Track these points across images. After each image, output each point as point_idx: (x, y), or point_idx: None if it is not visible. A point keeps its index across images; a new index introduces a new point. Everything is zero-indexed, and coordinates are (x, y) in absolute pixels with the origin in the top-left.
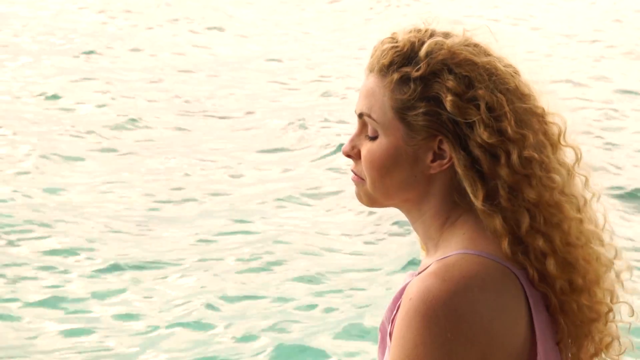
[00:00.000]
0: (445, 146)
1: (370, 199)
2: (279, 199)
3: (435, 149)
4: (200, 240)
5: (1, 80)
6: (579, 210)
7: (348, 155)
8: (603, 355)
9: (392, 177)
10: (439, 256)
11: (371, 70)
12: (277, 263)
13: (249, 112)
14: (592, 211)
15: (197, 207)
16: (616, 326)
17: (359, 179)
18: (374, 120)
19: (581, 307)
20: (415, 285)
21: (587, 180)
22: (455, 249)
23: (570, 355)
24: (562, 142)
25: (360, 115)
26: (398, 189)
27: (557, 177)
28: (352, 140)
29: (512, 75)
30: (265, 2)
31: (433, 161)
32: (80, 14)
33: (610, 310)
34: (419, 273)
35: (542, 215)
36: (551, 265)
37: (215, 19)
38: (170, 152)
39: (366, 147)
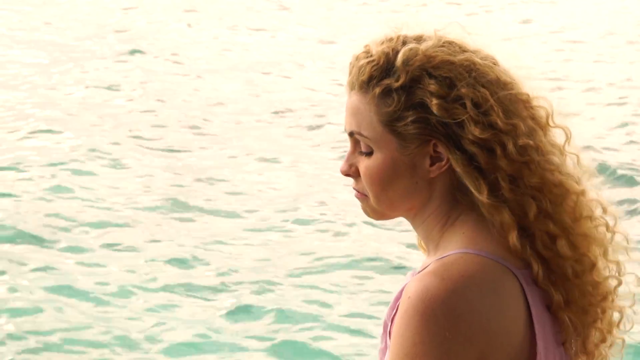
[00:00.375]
0: (441, 148)
1: (377, 213)
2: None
3: (432, 153)
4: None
5: (48, 80)
6: (578, 183)
7: (347, 175)
8: (609, 341)
9: (394, 188)
10: (439, 255)
11: (352, 88)
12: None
13: (283, 111)
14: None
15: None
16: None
17: (362, 196)
18: (365, 137)
19: (595, 285)
20: (414, 284)
21: (578, 158)
22: (455, 248)
23: (575, 350)
24: (550, 124)
25: (351, 134)
26: (402, 199)
27: (554, 159)
28: (348, 159)
29: (491, 67)
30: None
31: (431, 165)
32: (117, 15)
33: (620, 283)
34: (419, 272)
35: (548, 198)
36: (563, 246)
37: (255, 19)
38: (212, 148)
39: (363, 164)
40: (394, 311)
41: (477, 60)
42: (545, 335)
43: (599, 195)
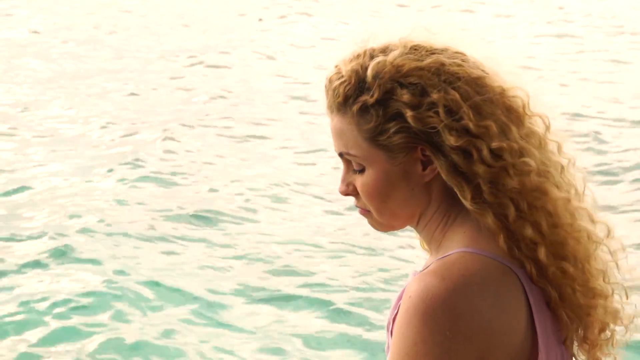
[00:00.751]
0: (428, 152)
1: (382, 226)
2: None
3: (421, 157)
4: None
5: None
6: (559, 187)
7: (346, 194)
8: (611, 326)
9: (392, 199)
10: (441, 255)
11: (332, 111)
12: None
13: None
14: (570, 176)
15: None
16: (621, 306)
17: (365, 212)
18: (354, 155)
19: (575, 290)
20: (415, 283)
21: (560, 146)
22: (456, 247)
23: (577, 342)
24: (527, 112)
25: (341, 155)
26: (402, 208)
27: (530, 160)
28: (344, 180)
29: (460, 64)
30: None
31: (424, 169)
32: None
33: (607, 292)
34: (421, 272)
35: (526, 201)
36: (542, 253)
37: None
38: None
39: (359, 181)
40: (396, 311)
41: (445, 60)
42: (546, 334)
43: (580, 199)
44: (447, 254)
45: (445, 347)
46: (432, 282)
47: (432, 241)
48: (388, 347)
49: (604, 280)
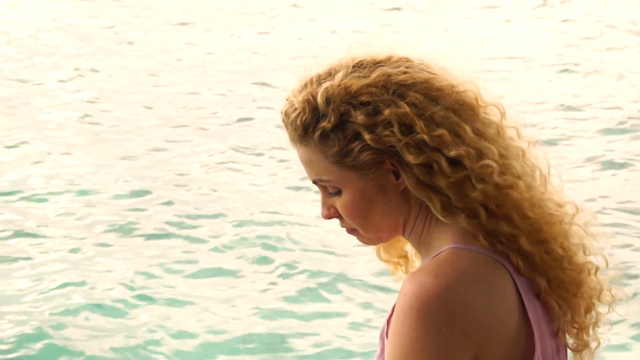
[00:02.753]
0: (395, 164)
1: (371, 240)
2: None
3: (392, 168)
4: None
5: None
6: (521, 176)
7: (330, 217)
8: (596, 306)
9: (374, 214)
10: (432, 253)
11: (295, 143)
12: None
13: None
14: (533, 159)
15: None
16: (603, 281)
17: (352, 231)
18: (327, 181)
19: (565, 269)
20: (409, 282)
21: (518, 131)
22: (445, 244)
23: (566, 328)
24: (481, 103)
25: (315, 182)
26: (385, 220)
27: (490, 162)
28: (324, 204)
29: (405, 72)
30: None
31: (397, 178)
32: None
33: (590, 266)
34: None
35: (494, 202)
36: (524, 242)
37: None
38: None
39: (338, 203)
40: (391, 313)
41: (391, 70)
42: (539, 326)
43: (549, 182)
44: (438, 252)
45: (442, 343)
46: (426, 280)
47: (422, 244)
48: (381, 353)
49: (584, 254)
